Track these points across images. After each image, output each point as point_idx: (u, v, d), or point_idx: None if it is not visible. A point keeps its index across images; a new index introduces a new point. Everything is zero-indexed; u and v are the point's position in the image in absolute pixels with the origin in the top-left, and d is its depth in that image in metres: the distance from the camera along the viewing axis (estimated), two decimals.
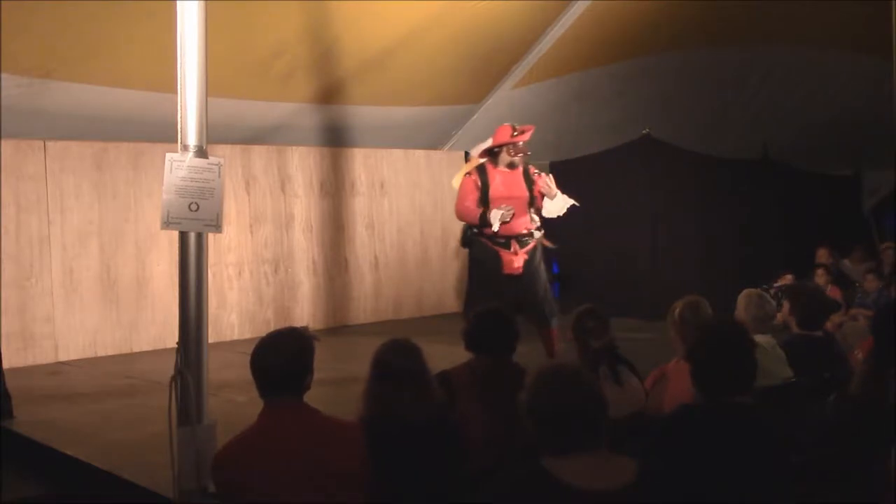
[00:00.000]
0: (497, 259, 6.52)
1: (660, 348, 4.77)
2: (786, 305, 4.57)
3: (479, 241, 6.57)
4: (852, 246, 9.74)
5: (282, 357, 2.93)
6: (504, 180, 6.57)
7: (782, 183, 9.79)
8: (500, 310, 4.00)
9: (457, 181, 6.97)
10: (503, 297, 6.45)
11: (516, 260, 6.54)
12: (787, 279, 8.38)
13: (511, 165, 6.57)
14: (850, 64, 8.47)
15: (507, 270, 6.52)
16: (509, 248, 6.54)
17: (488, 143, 6.74)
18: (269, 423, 2.93)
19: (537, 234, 6.70)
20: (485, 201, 6.51)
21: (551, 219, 6.87)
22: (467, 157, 8.25)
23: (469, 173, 6.66)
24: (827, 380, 4.04)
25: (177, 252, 4.05)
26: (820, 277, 8.34)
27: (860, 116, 8.83)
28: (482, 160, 6.73)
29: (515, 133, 6.52)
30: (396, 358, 3.23)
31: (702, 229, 9.41)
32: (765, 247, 9.47)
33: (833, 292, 8.09)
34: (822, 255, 9.05)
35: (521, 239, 6.57)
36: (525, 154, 6.61)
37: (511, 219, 6.44)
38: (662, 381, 3.99)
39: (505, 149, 6.55)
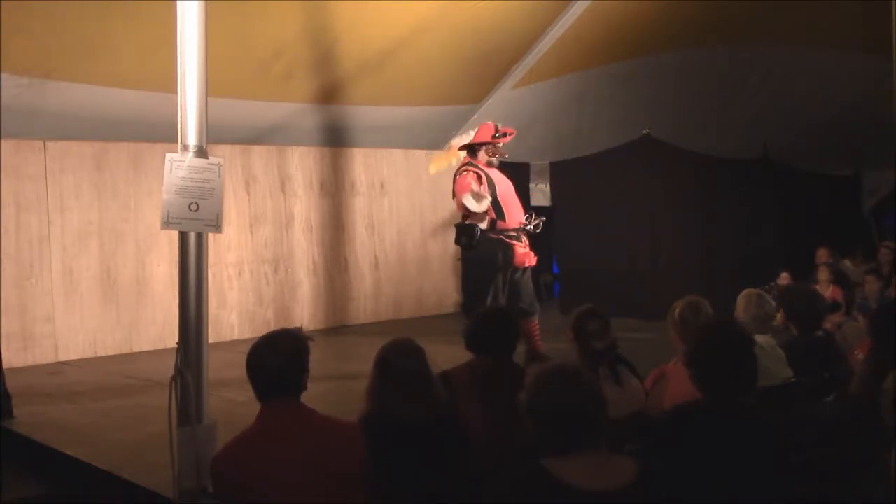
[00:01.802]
0: (510, 253, 6.52)
1: (660, 348, 4.77)
2: (781, 312, 4.56)
3: (490, 238, 6.52)
4: (852, 246, 9.73)
5: (279, 358, 2.93)
6: (498, 178, 6.66)
7: (782, 183, 9.79)
8: (501, 310, 4.00)
9: (434, 167, 7.01)
10: (506, 292, 6.51)
11: (528, 253, 6.62)
12: (784, 278, 8.37)
13: (489, 164, 6.65)
14: (850, 64, 8.47)
15: (518, 263, 6.56)
16: (521, 241, 6.60)
17: (470, 137, 6.81)
18: (268, 425, 2.93)
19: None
20: (496, 204, 6.53)
21: (551, 216, 6.88)
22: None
23: (466, 170, 6.59)
24: (827, 380, 4.04)
25: (177, 252, 4.05)
26: (822, 273, 8.31)
27: (860, 116, 8.83)
28: (460, 153, 6.80)
29: (497, 134, 6.62)
30: (397, 358, 3.23)
31: (702, 229, 9.40)
32: (765, 247, 9.48)
33: (835, 292, 8.07)
34: (822, 255, 9.03)
35: (526, 230, 6.66)
36: (502, 156, 6.74)
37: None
38: (662, 382, 3.98)
39: (484, 148, 6.64)
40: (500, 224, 6.52)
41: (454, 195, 6.69)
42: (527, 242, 6.66)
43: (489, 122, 6.78)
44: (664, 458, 2.71)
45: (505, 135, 6.64)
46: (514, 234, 6.58)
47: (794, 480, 2.86)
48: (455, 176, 6.67)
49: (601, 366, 3.84)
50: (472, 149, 6.70)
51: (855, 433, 3.30)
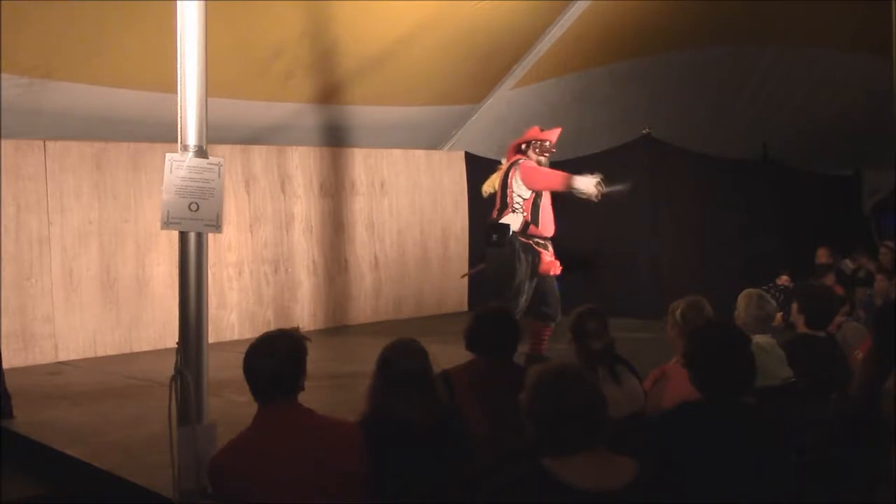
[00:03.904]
0: (536, 261, 6.43)
1: (660, 348, 4.77)
2: (795, 304, 4.56)
3: (519, 241, 6.41)
4: (852, 246, 9.73)
5: (276, 359, 2.93)
6: None
7: (782, 183, 9.80)
8: (503, 310, 4.00)
9: (489, 187, 6.89)
10: (526, 295, 6.40)
11: (554, 262, 6.51)
12: (784, 279, 8.38)
13: (537, 164, 6.57)
14: (849, 63, 8.47)
15: (543, 272, 6.46)
16: (548, 249, 6.53)
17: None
18: (265, 425, 2.93)
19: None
20: (535, 208, 6.45)
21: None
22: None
23: (524, 160, 6.48)
24: (827, 380, 4.04)
25: (177, 252, 4.04)
26: (828, 279, 8.29)
27: (860, 116, 8.84)
28: (514, 159, 6.65)
29: (543, 130, 6.63)
30: (399, 358, 3.23)
31: (702, 229, 9.41)
32: (764, 247, 9.48)
33: (837, 291, 8.06)
34: (822, 255, 9.03)
35: (552, 239, 6.60)
36: (551, 152, 6.68)
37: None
38: (662, 381, 3.99)
39: (532, 146, 6.59)
40: (532, 229, 6.44)
41: (503, 191, 6.51)
42: (552, 251, 6.57)
43: (535, 126, 6.76)
44: (664, 457, 2.71)
45: (551, 131, 6.64)
46: (543, 242, 6.50)
47: (794, 480, 2.86)
48: (511, 172, 6.49)
49: (600, 366, 3.84)
50: (519, 150, 6.63)
51: (855, 433, 3.30)
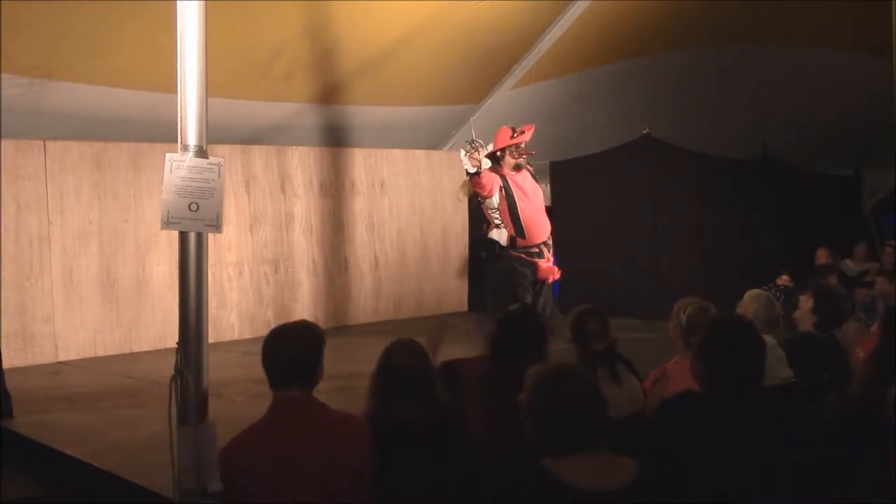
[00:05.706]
0: (533, 270, 6.38)
1: (660, 348, 4.77)
2: (807, 304, 4.56)
3: (510, 256, 6.35)
4: (852, 246, 9.73)
5: (297, 347, 2.97)
6: (523, 192, 6.39)
7: (782, 183, 9.80)
8: (526, 314, 3.99)
9: (462, 193, 6.83)
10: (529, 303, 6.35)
11: (552, 268, 6.45)
12: (784, 280, 8.38)
13: (517, 167, 6.40)
14: (849, 63, 8.48)
15: (541, 279, 6.42)
16: (543, 256, 6.44)
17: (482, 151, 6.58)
18: (279, 420, 2.95)
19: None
20: (516, 220, 6.33)
21: (551, 217, 6.79)
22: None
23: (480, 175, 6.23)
24: (827, 380, 4.04)
25: (177, 252, 4.04)
26: (830, 280, 8.28)
27: (860, 116, 8.84)
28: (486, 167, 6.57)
29: (515, 134, 6.37)
30: (400, 358, 3.25)
31: (701, 229, 9.41)
32: (764, 247, 9.48)
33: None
34: (822, 255, 9.03)
35: (548, 244, 6.51)
36: (528, 154, 6.45)
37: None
38: (662, 381, 3.99)
39: (508, 151, 6.38)
40: (519, 241, 6.34)
41: (480, 206, 6.51)
42: (550, 256, 6.48)
43: (505, 126, 6.50)
44: (664, 456, 2.71)
45: (523, 132, 6.37)
46: (537, 250, 6.41)
47: (794, 480, 2.86)
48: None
49: (600, 366, 3.84)
50: (494, 157, 6.37)
51: (855, 433, 3.30)
